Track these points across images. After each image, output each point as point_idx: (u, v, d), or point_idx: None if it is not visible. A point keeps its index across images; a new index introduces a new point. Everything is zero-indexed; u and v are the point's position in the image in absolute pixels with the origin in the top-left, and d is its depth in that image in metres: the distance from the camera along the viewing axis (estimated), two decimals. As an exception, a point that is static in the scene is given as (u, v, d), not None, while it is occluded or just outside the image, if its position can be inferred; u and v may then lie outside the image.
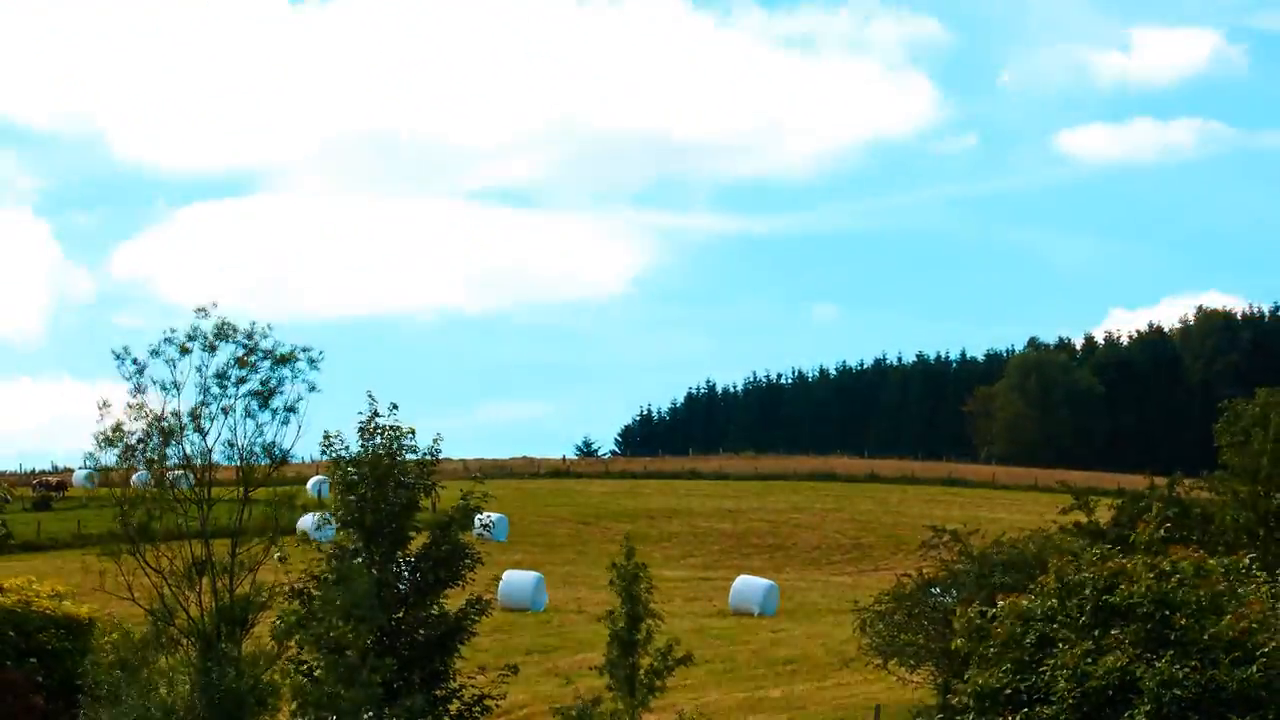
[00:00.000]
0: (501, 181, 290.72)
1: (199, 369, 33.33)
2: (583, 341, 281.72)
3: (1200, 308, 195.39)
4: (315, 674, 32.42)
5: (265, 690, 31.24)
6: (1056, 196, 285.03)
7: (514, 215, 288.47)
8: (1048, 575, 28.40)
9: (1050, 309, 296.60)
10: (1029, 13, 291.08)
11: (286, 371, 33.55)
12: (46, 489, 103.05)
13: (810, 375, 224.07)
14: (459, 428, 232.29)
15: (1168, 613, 26.60)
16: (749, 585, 68.87)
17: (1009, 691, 26.93)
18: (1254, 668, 25.69)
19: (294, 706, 31.54)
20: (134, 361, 33.21)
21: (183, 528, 32.96)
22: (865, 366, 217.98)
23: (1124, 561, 27.91)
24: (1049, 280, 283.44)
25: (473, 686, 37.45)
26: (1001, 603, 28.52)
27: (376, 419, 36.78)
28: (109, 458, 33.46)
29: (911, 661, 43.26)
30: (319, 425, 38.07)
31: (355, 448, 36.67)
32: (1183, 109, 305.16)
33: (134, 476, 34.43)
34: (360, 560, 34.32)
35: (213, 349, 33.44)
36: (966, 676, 27.83)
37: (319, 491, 78.19)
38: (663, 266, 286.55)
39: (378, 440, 36.57)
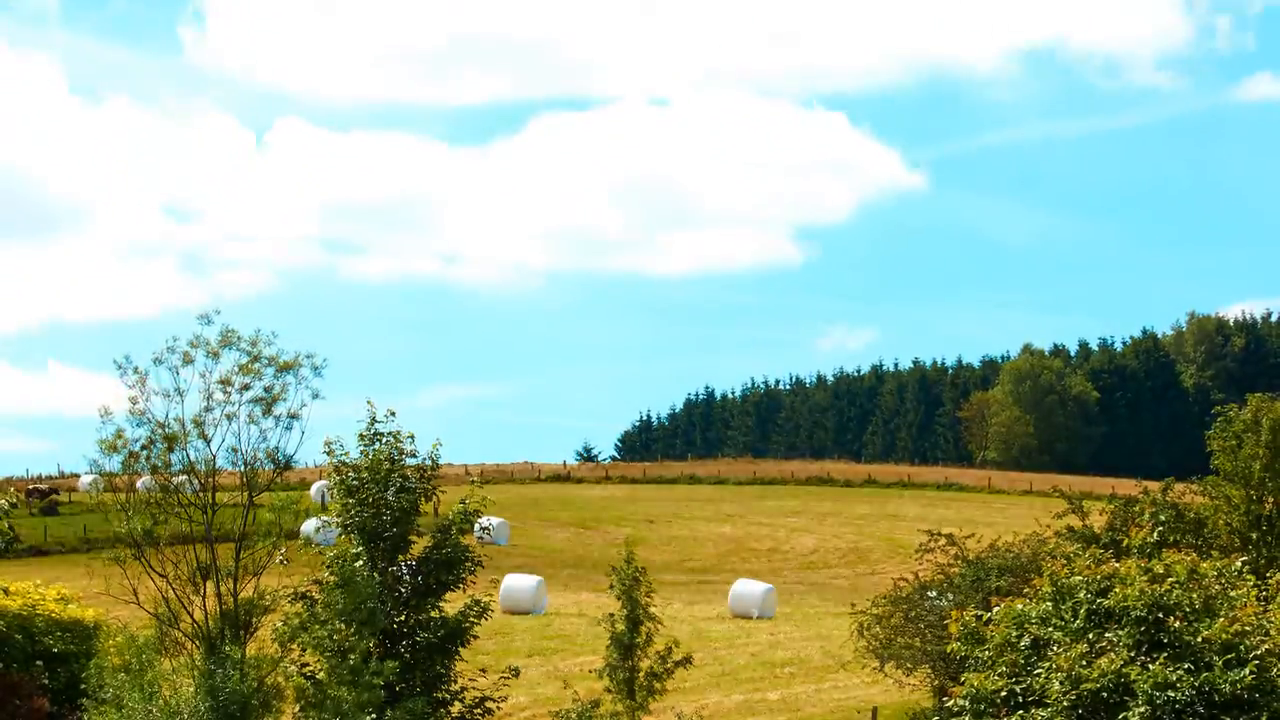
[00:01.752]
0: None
1: (202, 375, 33.62)
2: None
3: (1192, 314, 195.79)
4: (318, 676, 32.69)
5: (268, 693, 31.47)
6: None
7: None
8: (1042, 579, 28.58)
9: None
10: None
11: (290, 378, 33.85)
12: (40, 496, 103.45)
13: (808, 381, 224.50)
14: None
15: (1161, 616, 26.74)
16: (747, 588, 69.08)
17: (1004, 694, 27.10)
18: (1247, 670, 25.83)
19: (297, 709, 31.81)
20: (135, 370, 33.49)
21: (188, 532, 33.24)
22: (862, 373, 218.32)
23: (1118, 565, 28.12)
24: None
25: (474, 689, 37.73)
26: (997, 606, 28.71)
27: (375, 425, 37.10)
28: (113, 464, 33.72)
29: (908, 664, 43.55)
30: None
31: (355, 453, 37.02)
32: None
33: (139, 482, 34.70)
34: (362, 564, 34.59)
35: (216, 356, 33.71)
36: (962, 679, 28.02)
37: (322, 496, 78.36)
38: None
39: (377, 446, 36.89)
